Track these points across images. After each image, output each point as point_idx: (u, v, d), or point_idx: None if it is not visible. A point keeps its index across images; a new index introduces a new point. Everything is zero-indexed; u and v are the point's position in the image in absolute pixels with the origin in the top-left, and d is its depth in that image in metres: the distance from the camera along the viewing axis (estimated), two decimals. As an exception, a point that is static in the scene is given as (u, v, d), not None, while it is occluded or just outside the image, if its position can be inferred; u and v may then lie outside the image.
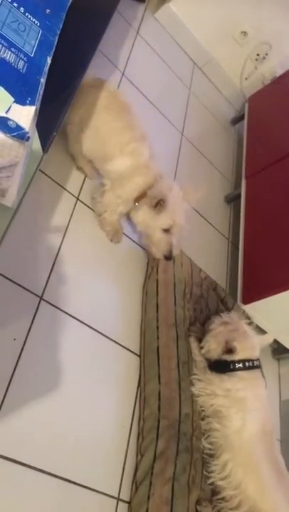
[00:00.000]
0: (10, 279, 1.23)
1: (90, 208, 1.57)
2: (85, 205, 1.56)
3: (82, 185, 1.58)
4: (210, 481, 1.31)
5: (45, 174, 1.46)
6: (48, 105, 0.60)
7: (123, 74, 2.08)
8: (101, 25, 0.83)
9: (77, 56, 0.72)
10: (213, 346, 1.43)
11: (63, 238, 1.42)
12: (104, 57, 2.04)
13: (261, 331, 1.85)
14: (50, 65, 0.62)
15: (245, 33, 2.62)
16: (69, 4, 0.71)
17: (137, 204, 1.46)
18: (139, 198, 1.44)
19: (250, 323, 1.73)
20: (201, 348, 1.48)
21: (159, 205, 1.39)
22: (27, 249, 1.31)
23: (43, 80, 0.59)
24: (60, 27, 0.62)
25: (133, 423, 1.35)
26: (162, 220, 1.42)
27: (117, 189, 1.46)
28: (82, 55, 0.73)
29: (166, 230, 1.44)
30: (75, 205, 1.52)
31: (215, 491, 1.31)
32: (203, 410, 1.41)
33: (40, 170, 1.44)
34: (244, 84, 2.86)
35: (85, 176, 1.61)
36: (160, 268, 1.62)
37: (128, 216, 1.57)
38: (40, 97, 0.57)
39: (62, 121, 0.60)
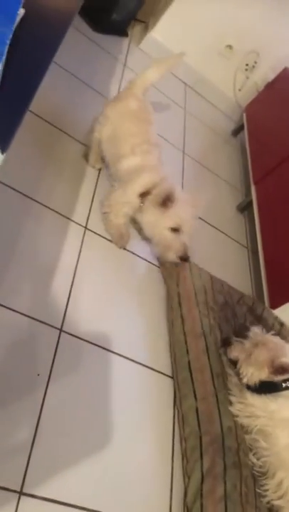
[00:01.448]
0: (27, 315, 1.22)
1: (100, 235, 1.57)
2: (94, 233, 1.56)
3: (88, 214, 1.59)
4: (266, 499, 1.21)
5: (50, 208, 1.47)
6: (3, 111, 0.61)
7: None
8: (57, 36, 0.86)
9: (32, 66, 0.75)
10: (256, 373, 1.31)
11: (76, 268, 1.41)
12: (96, 92, 2.10)
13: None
14: (5, 75, 0.63)
15: (230, 47, 2.65)
16: (20, 16, 0.73)
17: (142, 204, 1.43)
18: (144, 194, 1.42)
19: (282, 325, 1.66)
20: (240, 378, 1.34)
21: (167, 202, 1.36)
22: (41, 284, 1.31)
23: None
24: (10, 37, 0.64)
25: (174, 446, 1.29)
26: (170, 218, 1.38)
27: (123, 187, 1.47)
28: (37, 64, 0.76)
29: (176, 230, 1.40)
30: (84, 234, 1.52)
31: (272, 510, 1.21)
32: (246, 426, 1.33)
33: (43, 205, 1.47)
34: (239, 95, 2.87)
35: (90, 165, 1.71)
36: (179, 281, 1.58)
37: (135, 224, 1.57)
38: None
39: (18, 127, 0.62)
